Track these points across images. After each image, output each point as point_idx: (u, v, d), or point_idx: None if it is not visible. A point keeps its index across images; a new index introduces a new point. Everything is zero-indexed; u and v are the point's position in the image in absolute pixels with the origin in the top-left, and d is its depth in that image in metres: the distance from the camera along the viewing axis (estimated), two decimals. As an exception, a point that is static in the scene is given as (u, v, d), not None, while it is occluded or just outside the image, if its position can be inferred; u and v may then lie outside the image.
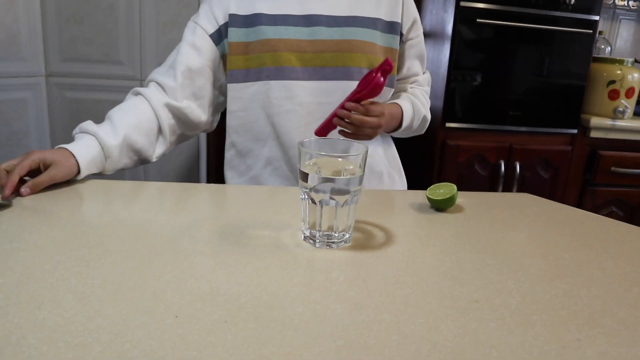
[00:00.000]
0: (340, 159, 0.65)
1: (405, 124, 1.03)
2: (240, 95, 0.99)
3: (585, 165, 1.98)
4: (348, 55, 0.96)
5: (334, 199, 0.60)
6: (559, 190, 2.00)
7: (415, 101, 1.07)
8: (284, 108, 0.96)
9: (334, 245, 0.62)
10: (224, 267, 0.55)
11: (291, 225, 0.68)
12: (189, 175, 1.81)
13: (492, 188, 1.94)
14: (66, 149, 0.81)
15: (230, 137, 1.03)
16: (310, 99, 0.95)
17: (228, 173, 1.05)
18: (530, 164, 1.95)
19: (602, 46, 2.08)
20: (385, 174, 1.06)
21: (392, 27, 1.02)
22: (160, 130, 0.94)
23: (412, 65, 1.09)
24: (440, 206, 0.77)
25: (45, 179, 0.76)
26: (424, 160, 2.01)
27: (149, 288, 0.50)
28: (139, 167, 1.69)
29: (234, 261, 0.57)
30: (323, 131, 0.91)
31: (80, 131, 0.86)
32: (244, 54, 0.97)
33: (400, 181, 1.11)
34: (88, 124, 0.87)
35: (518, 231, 0.73)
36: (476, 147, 1.92)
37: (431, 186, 0.80)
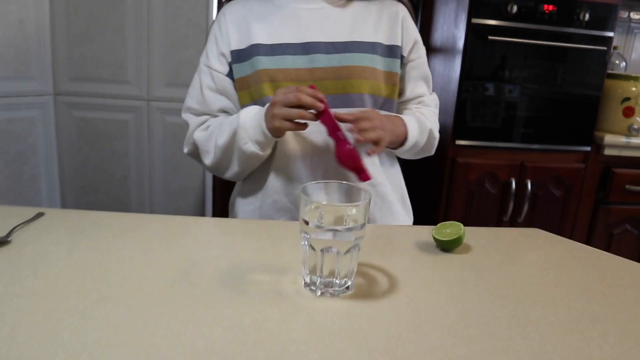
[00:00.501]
0: (341, 205, 0.63)
1: (411, 137, 0.99)
2: None
3: (599, 183, 1.94)
4: (348, 82, 0.94)
5: (336, 248, 0.58)
6: (571, 208, 1.96)
7: (420, 117, 1.03)
8: (284, 138, 0.95)
9: (335, 294, 0.60)
10: (221, 319, 0.54)
11: (292, 268, 0.67)
12: (196, 200, 1.80)
13: (503, 206, 1.91)
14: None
15: None
16: (311, 128, 0.94)
17: (237, 199, 1.04)
18: (542, 182, 1.91)
19: (617, 61, 2.04)
20: (393, 201, 1.03)
21: (392, 51, 0.99)
22: None
23: (416, 86, 1.06)
24: (447, 247, 0.75)
25: None
26: (433, 178, 1.98)
27: (143, 345, 0.48)
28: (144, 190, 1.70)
29: (231, 313, 0.55)
30: (352, 160, 0.89)
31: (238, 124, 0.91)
32: (247, 89, 0.96)
33: (405, 211, 1.08)
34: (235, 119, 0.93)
35: (527, 276, 0.71)
36: (487, 164, 1.88)
37: (438, 225, 0.78)
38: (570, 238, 2.00)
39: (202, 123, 0.99)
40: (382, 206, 1.01)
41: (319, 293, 0.60)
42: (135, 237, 0.75)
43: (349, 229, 0.58)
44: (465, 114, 1.83)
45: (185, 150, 1.03)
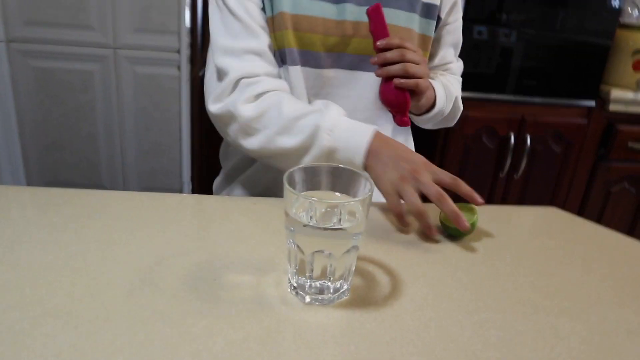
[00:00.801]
0: (338, 194, 0.52)
1: (438, 104, 0.87)
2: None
3: (600, 139, 1.85)
4: None
5: (329, 250, 0.48)
6: (570, 165, 1.88)
7: (447, 83, 0.92)
8: (301, 99, 0.82)
9: (327, 302, 0.50)
10: (189, 340, 0.44)
11: (276, 264, 0.56)
12: (171, 160, 1.66)
13: (500, 162, 1.82)
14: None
15: None
16: (330, 90, 0.81)
17: (223, 163, 0.92)
18: (542, 137, 1.82)
19: (630, 11, 1.89)
20: None
21: (429, 11, 0.85)
22: None
23: (447, 53, 0.94)
24: (458, 234, 0.65)
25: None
26: (426, 130, 1.87)
27: (87, 388, 0.38)
28: (117, 161, 1.55)
29: (201, 330, 0.45)
30: (401, 94, 0.76)
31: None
32: (272, 31, 0.80)
33: None
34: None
35: (548, 274, 0.61)
36: (485, 118, 1.79)
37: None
38: (567, 195, 1.95)
39: (252, 85, 0.76)
40: None
41: (307, 300, 0.50)
42: (90, 224, 0.64)
43: (346, 228, 0.48)
44: (463, 65, 1.69)
45: (214, 108, 0.78)
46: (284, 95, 0.76)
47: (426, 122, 0.93)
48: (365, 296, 0.52)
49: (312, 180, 0.52)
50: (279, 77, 0.81)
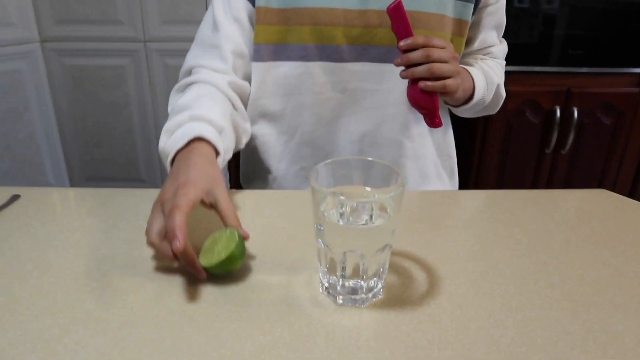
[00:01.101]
0: (368, 189, 0.50)
1: (477, 93, 0.81)
2: (264, 77, 0.80)
3: (655, 108, 1.73)
4: None
5: (360, 250, 0.45)
6: (622, 137, 1.77)
7: (488, 70, 0.85)
8: (324, 96, 0.79)
9: (360, 302, 0.48)
10: (217, 346, 0.43)
11: (308, 262, 0.54)
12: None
13: (546, 137, 1.73)
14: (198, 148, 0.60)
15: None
16: (357, 85, 0.77)
17: (243, 167, 0.90)
18: (590, 109, 1.72)
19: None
20: (433, 176, 0.89)
21: None
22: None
23: (488, 36, 0.87)
24: (222, 270, 0.52)
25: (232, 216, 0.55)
26: (467, 109, 1.80)
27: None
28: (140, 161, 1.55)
29: (230, 335, 0.44)
30: (429, 96, 0.70)
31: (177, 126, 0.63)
32: (277, 24, 0.77)
33: (451, 183, 0.94)
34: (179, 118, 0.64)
35: (600, 266, 0.57)
36: (528, 92, 1.70)
37: (205, 243, 0.53)
38: (618, 170, 1.84)
39: (191, 76, 0.74)
40: (421, 183, 0.88)
41: (339, 301, 0.48)
42: (122, 225, 0.64)
43: (377, 226, 0.45)
44: (504, 36, 1.61)
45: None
46: (199, 87, 0.70)
47: (464, 112, 0.88)
48: (401, 295, 0.50)
49: (340, 174, 0.49)
50: (234, 71, 0.76)
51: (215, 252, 0.50)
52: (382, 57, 0.78)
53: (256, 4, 0.76)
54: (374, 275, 0.48)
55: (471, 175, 1.81)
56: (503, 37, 0.95)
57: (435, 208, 0.69)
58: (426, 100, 0.69)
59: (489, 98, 0.84)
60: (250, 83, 0.80)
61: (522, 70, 1.66)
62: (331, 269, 0.48)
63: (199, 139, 0.60)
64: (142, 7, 1.43)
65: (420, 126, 0.83)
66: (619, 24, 1.64)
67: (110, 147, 1.61)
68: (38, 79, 1.50)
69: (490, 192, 0.73)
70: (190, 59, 0.77)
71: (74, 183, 1.66)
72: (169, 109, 0.72)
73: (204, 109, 0.65)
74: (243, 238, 0.52)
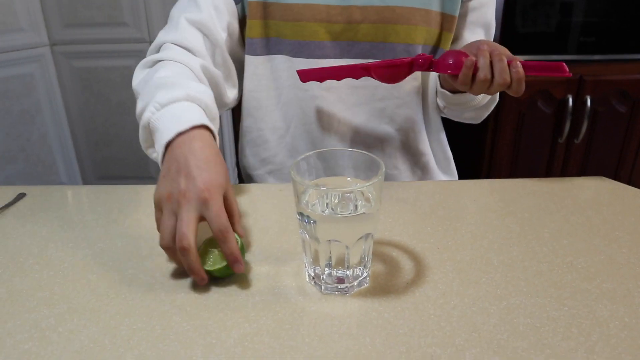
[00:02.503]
0: (349, 179, 0.50)
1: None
2: (257, 70, 0.81)
3: (671, 94, 1.69)
4: (391, 28, 0.75)
5: (343, 240, 0.46)
6: (638, 125, 1.73)
7: None
8: (311, 93, 0.79)
9: (345, 291, 0.49)
10: (203, 334, 0.44)
11: (297, 253, 0.55)
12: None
13: (559, 127, 1.71)
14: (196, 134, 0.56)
15: (245, 121, 0.87)
16: (341, 82, 0.77)
17: (243, 161, 0.91)
18: (603, 97, 1.68)
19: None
20: (426, 169, 0.88)
21: None
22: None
23: (474, 34, 0.82)
24: (222, 275, 0.52)
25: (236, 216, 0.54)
26: (476, 100, 1.78)
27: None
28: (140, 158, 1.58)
29: (217, 324, 0.45)
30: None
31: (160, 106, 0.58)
32: (262, 18, 0.77)
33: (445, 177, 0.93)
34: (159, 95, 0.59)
35: (591, 253, 0.56)
36: (540, 81, 1.67)
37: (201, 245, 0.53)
38: (635, 158, 1.80)
39: (159, 52, 0.71)
40: (412, 175, 0.88)
41: (324, 290, 0.49)
42: (120, 220, 0.66)
43: (359, 215, 0.46)
44: (514, 24, 1.59)
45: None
46: (174, 66, 0.67)
47: (454, 107, 0.83)
48: (386, 284, 0.50)
49: (323, 166, 0.50)
50: (210, 52, 0.74)
51: (217, 255, 0.51)
52: (366, 54, 0.77)
53: None
54: (359, 264, 0.49)
55: (483, 166, 1.80)
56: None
57: (429, 198, 0.69)
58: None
59: (486, 99, 0.80)
60: (224, 75, 0.78)
61: (532, 60, 1.64)
62: (315, 259, 0.49)
63: (201, 126, 0.57)
64: (146, 8, 1.46)
65: (409, 120, 0.83)
66: (632, 9, 1.60)
67: (120, 146, 1.64)
68: (49, 81, 1.54)
69: (486, 181, 0.73)
70: (160, 36, 0.74)
71: (86, 182, 1.71)
72: (136, 81, 0.68)
73: (199, 92, 0.61)
74: (240, 236, 0.53)
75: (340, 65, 0.72)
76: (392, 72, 0.68)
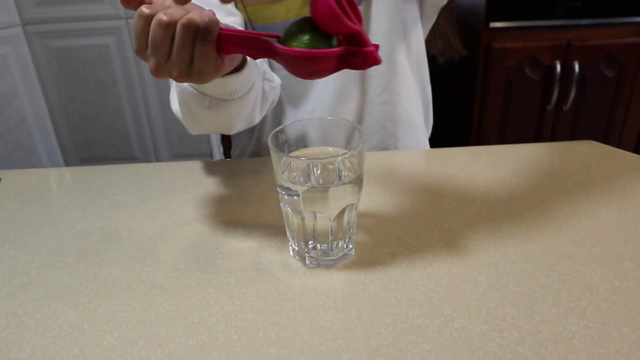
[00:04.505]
0: (330, 149, 0.48)
1: None
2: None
3: (659, 56, 1.67)
4: None
5: (326, 211, 0.45)
6: (627, 89, 1.72)
7: None
8: (281, 74, 0.74)
9: (330, 264, 0.48)
10: (185, 313, 0.43)
11: (281, 227, 0.54)
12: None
13: (547, 93, 1.69)
14: None
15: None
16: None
17: (234, 141, 0.88)
18: (591, 62, 1.67)
19: None
20: (413, 118, 0.83)
21: None
22: None
23: None
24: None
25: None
26: (464, 68, 1.76)
27: (89, 354, 0.38)
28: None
29: (199, 302, 0.44)
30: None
31: None
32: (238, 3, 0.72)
33: (425, 124, 0.88)
34: None
35: (580, 217, 0.55)
36: (527, 47, 1.65)
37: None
38: (624, 123, 1.80)
39: None
40: (396, 128, 0.82)
41: (309, 263, 0.48)
42: (98, 201, 0.64)
43: (341, 185, 0.44)
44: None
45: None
46: None
47: None
48: (372, 255, 0.49)
49: (301, 137, 0.48)
50: None
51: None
52: None
53: None
54: (343, 236, 0.47)
55: (472, 134, 1.79)
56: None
57: (415, 166, 0.68)
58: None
59: None
60: None
61: (518, 26, 1.61)
62: (299, 233, 0.47)
63: None
64: (121, -18, 1.40)
65: (374, 101, 0.79)
66: (619, -30, 1.57)
67: (101, 127, 1.61)
68: (23, 63, 1.49)
69: (473, 148, 0.72)
70: None
71: (68, 165, 1.67)
72: (175, 105, 0.63)
73: None
74: None
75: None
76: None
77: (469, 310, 0.41)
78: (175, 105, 0.63)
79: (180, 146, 1.67)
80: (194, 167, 0.71)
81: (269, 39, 0.41)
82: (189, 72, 0.41)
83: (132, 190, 0.65)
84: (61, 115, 1.59)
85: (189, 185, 0.66)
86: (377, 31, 0.73)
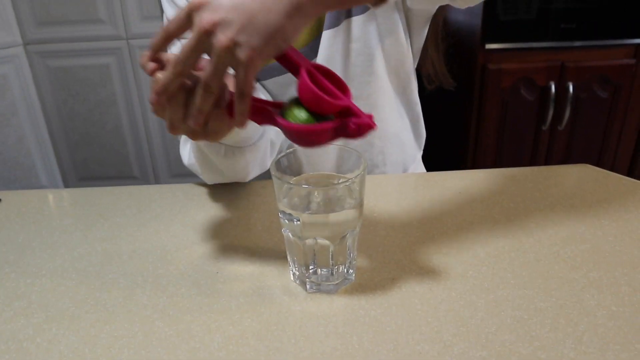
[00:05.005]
0: (332, 175, 0.49)
1: None
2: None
3: (652, 78, 1.70)
4: None
5: (327, 238, 0.45)
6: (620, 111, 1.75)
7: None
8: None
9: (331, 289, 0.48)
10: (187, 338, 0.43)
11: (282, 251, 0.54)
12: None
13: (542, 114, 1.72)
14: None
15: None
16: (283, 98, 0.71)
17: None
18: (585, 83, 1.69)
19: None
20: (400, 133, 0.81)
21: None
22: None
23: None
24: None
25: None
26: (461, 89, 1.78)
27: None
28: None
29: (200, 327, 0.44)
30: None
31: None
32: None
33: (416, 140, 0.85)
34: None
35: (577, 242, 0.56)
36: (522, 69, 1.68)
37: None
38: (617, 144, 1.82)
39: None
40: (384, 145, 0.78)
41: (309, 288, 0.48)
42: (99, 223, 0.64)
43: (342, 210, 0.45)
44: (495, 13, 1.59)
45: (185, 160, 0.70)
46: None
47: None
48: (372, 280, 0.49)
49: (303, 163, 0.49)
50: None
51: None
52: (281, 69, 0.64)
53: None
54: (344, 261, 0.48)
55: (468, 155, 1.80)
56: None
57: (413, 191, 0.69)
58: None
59: None
60: None
61: (513, 48, 1.64)
62: (300, 258, 0.48)
63: None
64: (122, 4, 1.42)
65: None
66: (611, -6, 1.60)
67: (100, 146, 1.61)
68: (24, 82, 1.50)
69: (471, 172, 0.72)
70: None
71: (67, 184, 1.67)
72: (186, 159, 0.68)
73: None
74: None
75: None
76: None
77: (468, 335, 0.42)
78: (187, 159, 0.66)
79: (179, 166, 1.68)
80: (195, 189, 0.71)
81: (273, 110, 0.45)
82: (205, 131, 0.45)
83: (132, 212, 0.66)
84: (60, 134, 1.59)
85: (190, 207, 0.66)
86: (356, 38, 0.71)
